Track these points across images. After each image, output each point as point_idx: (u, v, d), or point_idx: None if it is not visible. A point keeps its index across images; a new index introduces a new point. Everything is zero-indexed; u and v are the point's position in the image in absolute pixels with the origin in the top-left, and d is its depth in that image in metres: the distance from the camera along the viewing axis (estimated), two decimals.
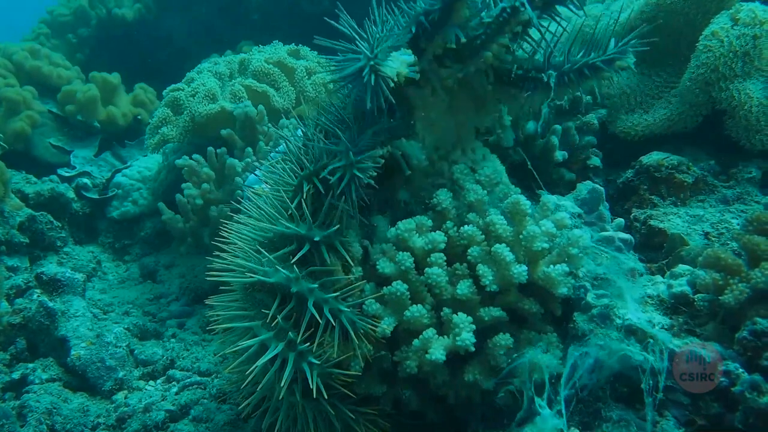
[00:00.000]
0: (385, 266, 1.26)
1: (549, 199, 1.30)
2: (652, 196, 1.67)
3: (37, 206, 2.50)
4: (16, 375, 1.65)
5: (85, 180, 2.78)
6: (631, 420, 1.11)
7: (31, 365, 1.69)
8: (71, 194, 2.66)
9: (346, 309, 1.20)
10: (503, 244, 1.20)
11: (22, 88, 3.07)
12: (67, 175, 2.79)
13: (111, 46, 4.21)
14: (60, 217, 2.58)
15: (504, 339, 1.16)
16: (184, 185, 2.31)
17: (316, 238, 1.20)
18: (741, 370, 1.03)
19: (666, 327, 1.15)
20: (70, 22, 4.16)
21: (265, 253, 1.22)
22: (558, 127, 1.76)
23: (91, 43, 4.22)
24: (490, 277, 1.19)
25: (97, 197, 2.74)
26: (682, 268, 1.27)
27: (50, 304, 1.75)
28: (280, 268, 1.18)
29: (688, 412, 1.05)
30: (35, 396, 1.56)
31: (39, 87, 3.18)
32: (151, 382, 1.82)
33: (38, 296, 1.80)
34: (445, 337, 1.19)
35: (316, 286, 1.19)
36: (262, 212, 1.29)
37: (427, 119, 1.40)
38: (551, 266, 1.19)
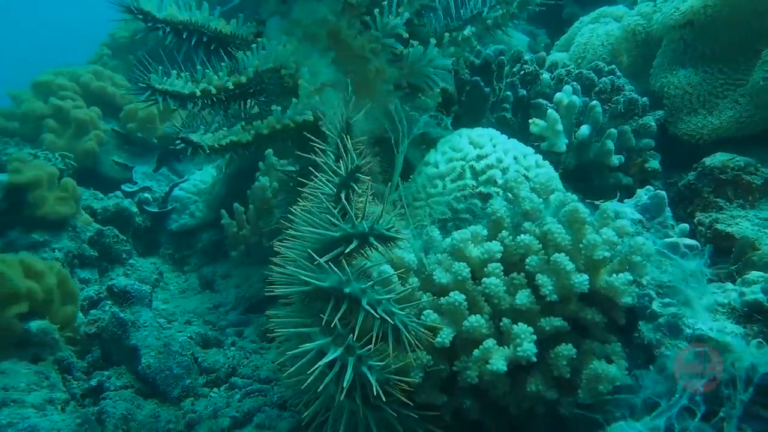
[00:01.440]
0: (441, 276, 1.27)
1: (608, 206, 1.27)
2: (717, 199, 1.61)
3: (104, 221, 2.64)
4: (93, 382, 1.74)
5: (146, 194, 2.90)
6: None
7: (106, 373, 1.78)
8: (134, 208, 2.79)
9: (399, 311, 1.19)
10: (562, 253, 1.19)
11: (89, 108, 3.24)
12: (129, 190, 2.93)
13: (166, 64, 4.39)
14: (124, 230, 2.71)
15: (567, 349, 1.15)
16: (258, 173, 2.39)
17: (363, 230, 1.18)
18: None
19: (740, 336, 1.11)
20: (129, 44, 4.36)
21: (320, 261, 1.22)
22: (613, 130, 1.73)
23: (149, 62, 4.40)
24: (550, 287, 1.18)
25: (157, 211, 2.86)
26: (754, 274, 1.22)
27: (122, 315, 1.84)
28: (334, 270, 1.18)
29: None
30: (111, 402, 1.64)
31: (103, 106, 3.35)
32: (215, 389, 1.88)
33: (110, 307, 1.90)
34: (506, 347, 1.18)
35: (369, 285, 1.18)
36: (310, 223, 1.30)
37: None
38: (614, 275, 1.17)
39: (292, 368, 1.25)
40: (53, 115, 3.22)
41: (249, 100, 1.69)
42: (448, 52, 1.69)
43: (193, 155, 1.58)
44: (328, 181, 1.29)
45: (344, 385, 1.15)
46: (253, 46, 1.62)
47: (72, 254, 2.36)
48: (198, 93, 1.58)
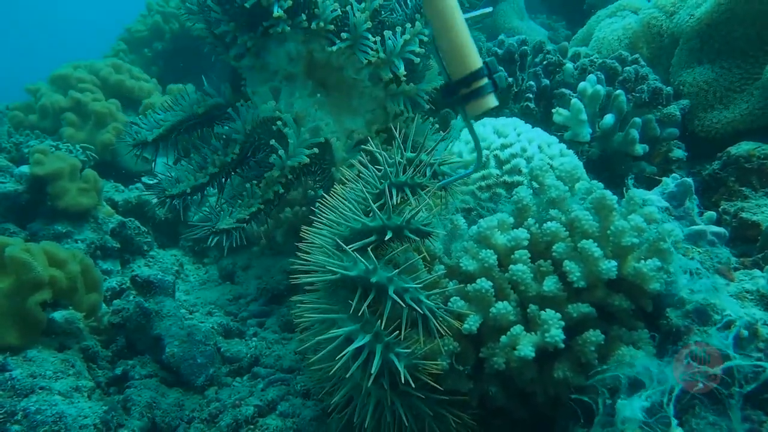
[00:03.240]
0: (468, 264, 1.27)
1: (635, 193, 1.27)
2: (743, 188, 1.60)
3: (125, 213, 2.67)
4: (118, 371, 1.76)
5: None
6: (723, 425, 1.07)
7: (130, 362, 1.80)
8: (155, 201, 2.81)
9: (426, 300, 1.19)
10: (590, 240, 1.18)
11: (108, 101, 3.27)
12: (150, 182, 2.95)
13: (181, 57, 4.43)
14: (145, 222, 2.74)
15: (594, 335, 1.15)
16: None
17: (401, 223, 1.20)
18: None
19: None
20: (145, 38, 4.40)
21: (346, 248, 1.22)
22: (638, 119, 1.72)
23: (164, 55, 4.44)
24: (578, 273, 1.17)
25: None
26: None
27: (146, 305, 1.86)
28: (360, 259, 1.18)
29: None
30: (136, 391, 1.66)
31: (122, 99, 3.38)
32: (238, 379, 1.90)
33: (134, 297, 1.92)
34: (533, 333, 1.18)
35: (395, 273, 1.18)
36: (341, 210, 1.30)
37: None
38: (641, 261, 1.17)
39: (318, 355, 1.25)
40: (72, 108, 3.25)
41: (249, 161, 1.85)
42: (423, 31, 1.70)
43: (229, 238, 1.73)
44: (378, 174, 1.29)
45: (372, 371, 1.15)
46: (231, 112, 1.76)
47: (94, 245, 2.39)
48: (209, 180, 1.78)
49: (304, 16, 1.67)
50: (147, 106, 3.35)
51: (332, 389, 1.35)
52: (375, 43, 1.67)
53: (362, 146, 1.74)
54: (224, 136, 1.79)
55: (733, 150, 1.64)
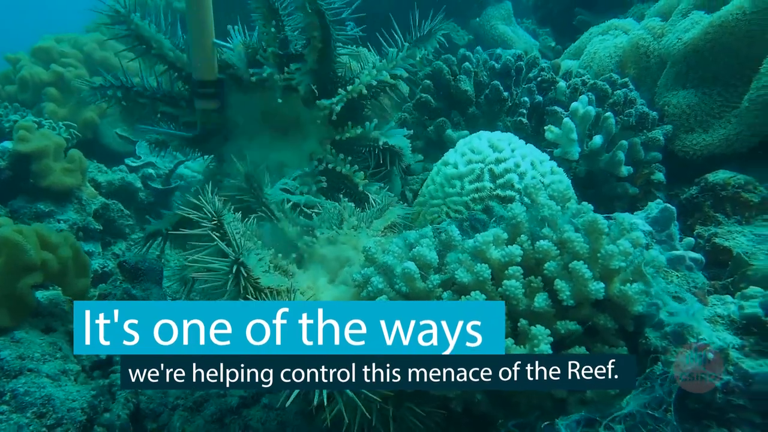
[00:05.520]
0: (463, 276, 1.33)
1: (624, 217, 1.35)
2: (717, 214, 1.70)
3: (108, 195, 2.64)
4: (103, 356, 1.77)
5: (150, 170, 2.90)
6: None
7: None
8: (139, 184, 2.79)
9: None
10: (581, 261, 1.26)
11: (92, 78, 3.20)
12: (133, 165, 2.93)
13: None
14: (128, 205, 2.72)
15: (580, 351, 1.23)
16: None
17: None
18: None
19: (737, 347, 1.20)
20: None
21: None
22: (624, 142, 1.80)
23: None
24: (568, 292, 1.24)
25: (162, 188, 2.86)
26: (753, 289, 1.31)
27: (133, 292, 1.87)
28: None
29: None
30: None
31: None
32: None
33: (121, 283, 1.92)
34: (522, 346, 1.25)
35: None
36: None
37: None
38: (627, 284, 1.25)
39: None
40: (54, 83, 3.18)
41: None
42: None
43: None
44: None
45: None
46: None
47: (77, 226, 2.37)
48: None
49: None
50: None
51: None
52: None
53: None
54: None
55: (711, 177, 1.74)
